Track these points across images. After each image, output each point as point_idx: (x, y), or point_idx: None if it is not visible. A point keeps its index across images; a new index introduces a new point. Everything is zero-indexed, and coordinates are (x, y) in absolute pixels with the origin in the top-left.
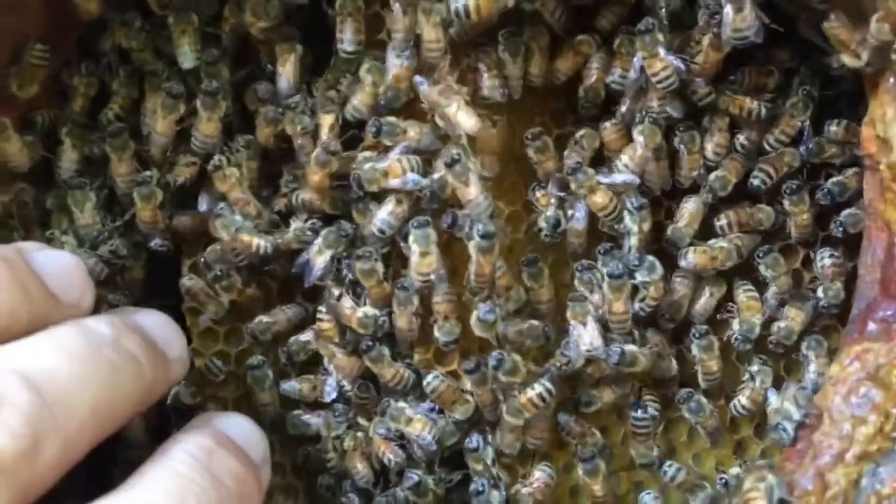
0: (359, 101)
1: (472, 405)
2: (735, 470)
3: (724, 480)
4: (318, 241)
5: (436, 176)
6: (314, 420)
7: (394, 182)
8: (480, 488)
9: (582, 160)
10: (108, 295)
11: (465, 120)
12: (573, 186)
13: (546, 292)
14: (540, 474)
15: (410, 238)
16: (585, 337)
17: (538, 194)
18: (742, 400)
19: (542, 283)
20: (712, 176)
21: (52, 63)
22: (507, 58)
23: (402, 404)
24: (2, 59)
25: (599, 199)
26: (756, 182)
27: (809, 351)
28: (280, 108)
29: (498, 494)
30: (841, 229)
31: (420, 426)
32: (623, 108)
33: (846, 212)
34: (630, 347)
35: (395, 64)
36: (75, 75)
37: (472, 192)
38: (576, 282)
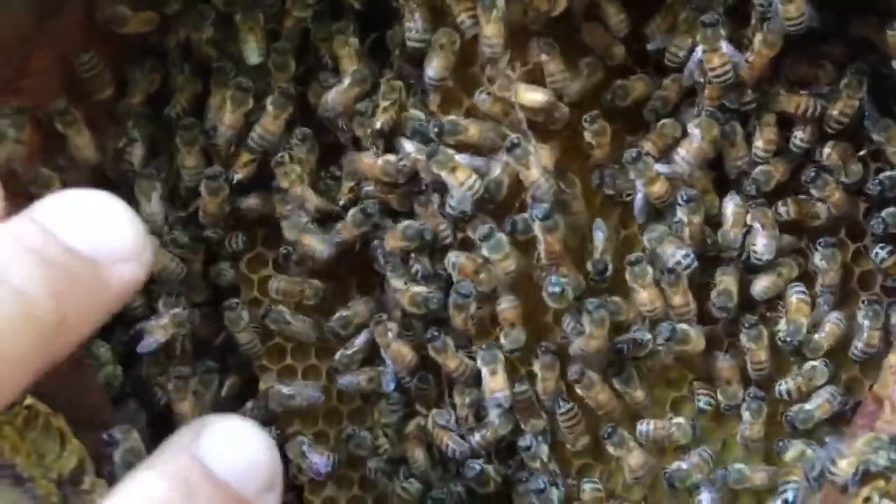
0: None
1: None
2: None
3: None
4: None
5: (494, 174)
6: None
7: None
8: (542, 486)
9: (653, 150)
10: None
11: (532, 95)
12: (633, 175)
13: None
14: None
15: (484, 250)
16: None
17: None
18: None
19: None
20: (757, 170)
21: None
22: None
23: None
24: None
25: (657, 188)
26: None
27: None
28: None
29: (557, 492)
30: (882, 226)
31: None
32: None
33: (890, 209)
34: (682, 325)
35: None
36: (137, 71)
37: (534, 173)
38: (626, 276)
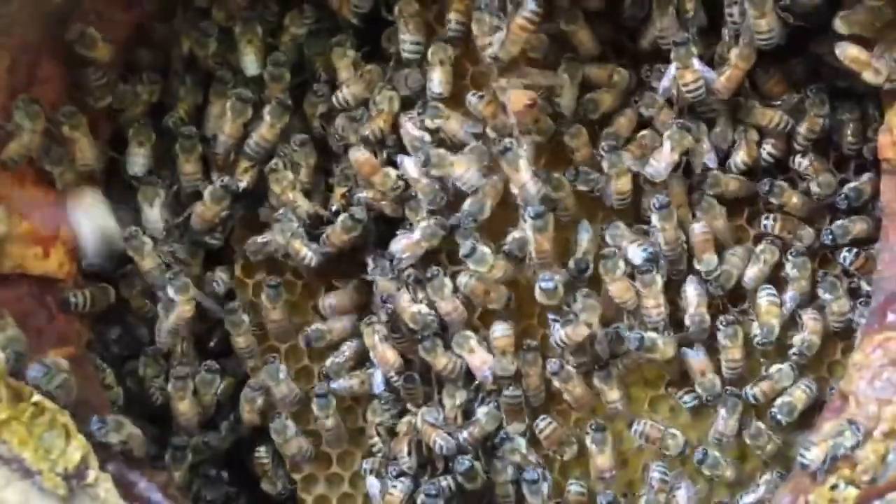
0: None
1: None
2: None
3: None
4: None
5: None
6: None
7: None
8: (535, 477)
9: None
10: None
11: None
12: (605, 165)
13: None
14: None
15: (470, 265)
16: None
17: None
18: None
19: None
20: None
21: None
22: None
23: None
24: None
25: (622, 183)
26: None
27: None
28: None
29: (547, 484)
30: (846, 202)
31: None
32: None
33: (838, 223)
34: (651, 334)
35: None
36: (138, 83)
37: (524, 176)
38: (599, 269)
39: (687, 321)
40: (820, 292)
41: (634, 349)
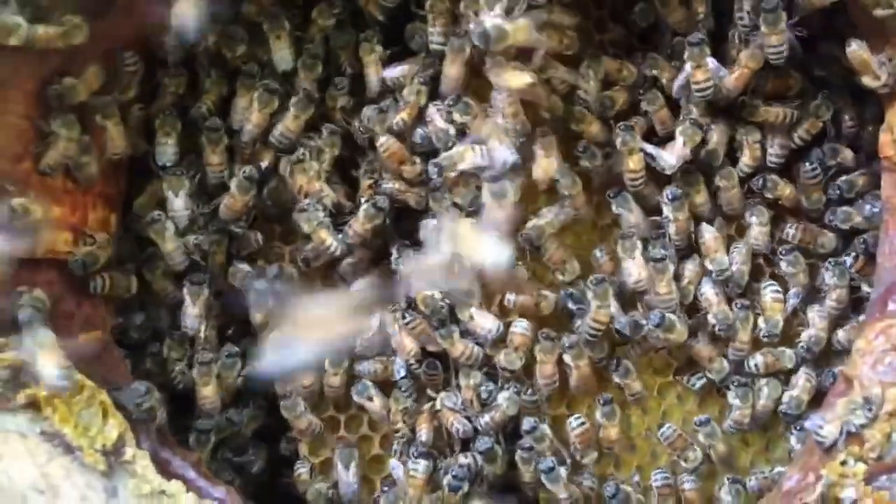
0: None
1: None
2: None
3: None
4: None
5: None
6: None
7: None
8: (550, 465)
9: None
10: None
11: (521, 78)
12: (618, 144)
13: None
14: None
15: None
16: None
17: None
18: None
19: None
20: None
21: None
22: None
23: None
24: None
25: (634, 162)
26: None
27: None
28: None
29: (564, 470)
30: (838, 192)
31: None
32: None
33: (844, 177)
34: (670, 315)
35: None
36: (166, 75)
37: (494, 145)
38: (617, 249)
39: (711, 319)
40: (826, 277)
41: (655, 326)
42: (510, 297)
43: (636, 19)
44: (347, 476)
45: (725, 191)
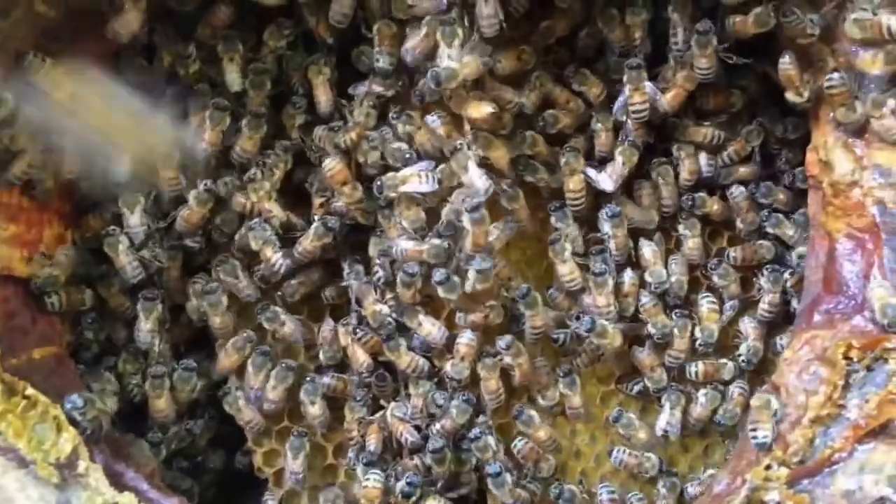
0: None
1: None
2: None
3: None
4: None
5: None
6: None
7: (411, 186)
8: (497, 470)
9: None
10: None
11: (482, 108)
12: (561, 164)
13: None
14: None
15: (441, 292)
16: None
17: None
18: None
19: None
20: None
21: None
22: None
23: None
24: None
25: (574, 183)
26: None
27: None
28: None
29: (510, 476)
30: (790, 179)
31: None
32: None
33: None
34: (602, 321)
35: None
36: None
37: (472, 175)
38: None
39: (650, 328)
40: (762, 281)
41: (585, 331)
42: (460, 315)
43: (581, 43)
44: (294, 465)
45: (664, 187)
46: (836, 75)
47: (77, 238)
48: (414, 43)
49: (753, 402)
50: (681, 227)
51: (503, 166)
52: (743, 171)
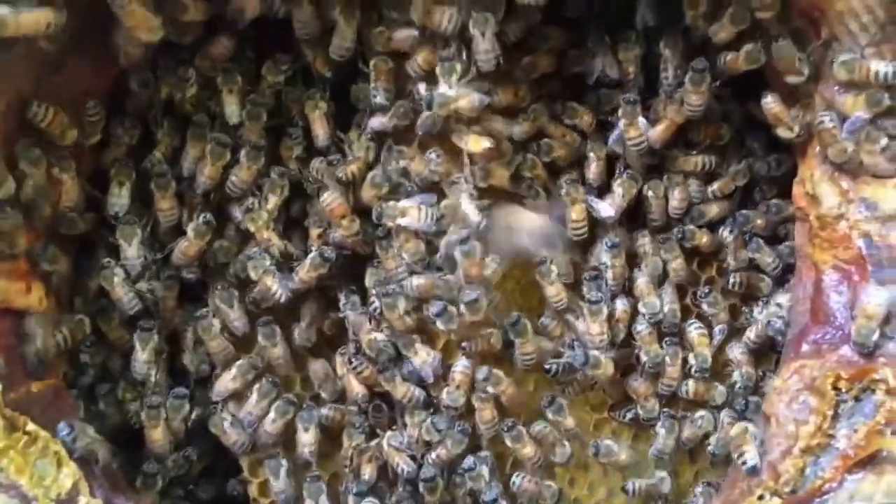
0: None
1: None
2: None
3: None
4: None
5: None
6: None
7: (409, 220)
8: (494, 497)
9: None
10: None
11: (480, 143)
12: (562, 195)
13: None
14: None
15: (440, 324)
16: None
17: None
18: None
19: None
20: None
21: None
22: None
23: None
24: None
25: (576, 212)
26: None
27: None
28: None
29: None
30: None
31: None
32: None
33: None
34: (594, 352)
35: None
36: (119, 126)
37: (465, 209)
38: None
39: (643, 356)
40: (755, 312)
41: (580, 366)
42: (466, 344)
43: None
44: (278, 485)
45: (653, 200)
46: (826, 116)
47: None
48: None
49: (732, 432)
50: (662, 253)
51: (505, 185)
52: (715, 211)
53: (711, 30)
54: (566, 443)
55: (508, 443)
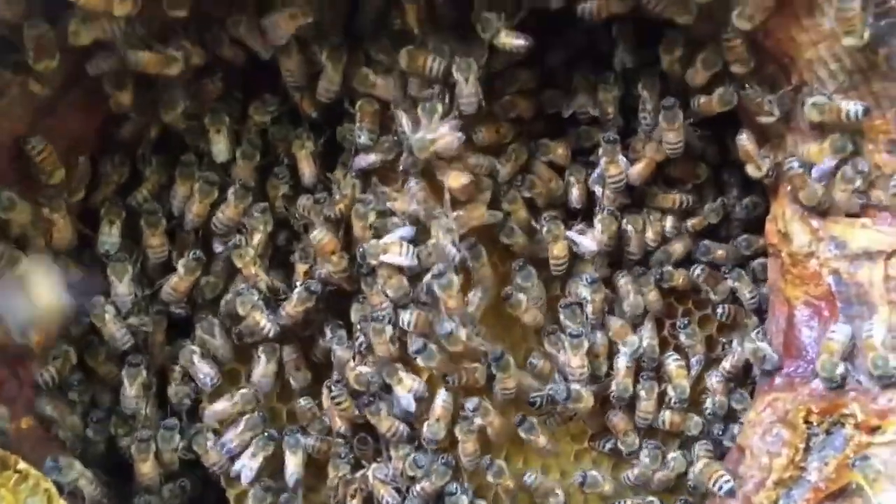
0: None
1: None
2: None
3: None
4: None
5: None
6: None
7: (390, 257)
8: None
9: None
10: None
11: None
12: (544, 232)
13: None
14: None
15: (420, 361)
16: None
17: None
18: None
19: None
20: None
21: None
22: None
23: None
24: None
25: (558, 249)
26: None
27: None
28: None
29: None
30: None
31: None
32: None
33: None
34: (575, 386)
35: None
36: (108, 164)
37: (442, 242)
38: (545, 343)
39: (613, 386)
40: (735, 343)
41: (563, 400)
42: (451, 378)
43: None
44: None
45: (633, 234)
46: (795, 162)
47: None
48: None
49: (698, 466)
50: (639, 286)
51: (483, 221)
52: (680, 250)
53: (688, 74)
54: (559, 492)
55: (490, 479)
